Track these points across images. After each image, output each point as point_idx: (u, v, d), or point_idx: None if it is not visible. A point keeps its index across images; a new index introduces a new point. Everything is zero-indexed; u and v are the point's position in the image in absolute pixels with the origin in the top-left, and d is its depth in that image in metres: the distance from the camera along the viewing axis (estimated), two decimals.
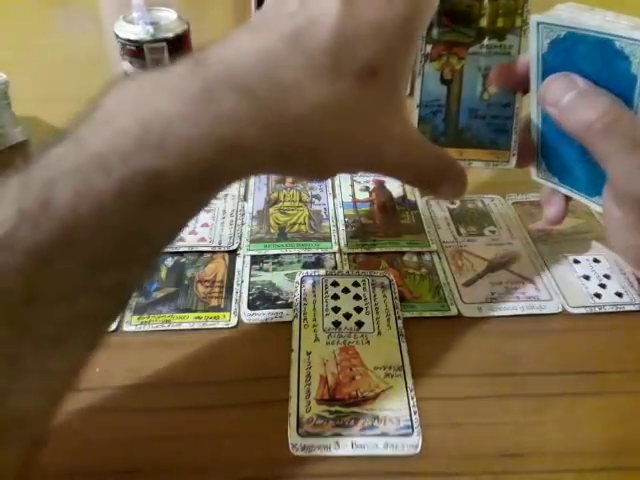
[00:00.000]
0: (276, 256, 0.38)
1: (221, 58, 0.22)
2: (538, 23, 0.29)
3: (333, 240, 0.39)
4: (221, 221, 0.41)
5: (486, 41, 0.32)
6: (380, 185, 0.45)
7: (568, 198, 0.35)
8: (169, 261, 0.37)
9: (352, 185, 0.45)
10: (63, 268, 0.19)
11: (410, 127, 0.28)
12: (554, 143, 0.32)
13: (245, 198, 0.43)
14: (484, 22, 0.32)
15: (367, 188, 0.44)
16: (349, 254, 0.38)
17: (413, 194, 0.44)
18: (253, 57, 0.22)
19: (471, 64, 0.33)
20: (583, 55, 0.28)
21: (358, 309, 0.34)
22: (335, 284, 0.36)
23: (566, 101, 0.27)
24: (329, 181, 0.45)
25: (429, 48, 0.32)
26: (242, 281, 0.36)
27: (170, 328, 0.33)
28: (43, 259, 0.19)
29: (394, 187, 0.44)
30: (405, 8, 0.24)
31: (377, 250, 0.38)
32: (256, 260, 0.38)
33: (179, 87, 0.21)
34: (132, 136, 0.20)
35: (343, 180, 0.45)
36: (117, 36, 0.55)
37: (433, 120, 0.33)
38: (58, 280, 0.19)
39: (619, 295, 0.35)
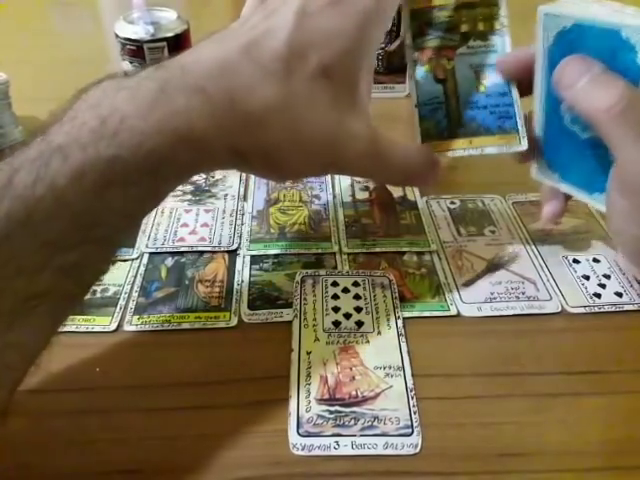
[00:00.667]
0: (276, 256, 0.38)
1: (181, 64, 0.25)
2: (545, 14, 0.29)
3: (333, 240, 0.39)
4: (221, 221, 0.41)
5: (471, 42, 0.34)
6: (380, 185, 0.45)
7: (567, 197, 0.35)
8: (169, 261, 0.38)
9: (352, 185, 0.45)
10: (21, 245, 0.21)
11: (373, 127, 0.29)
12: (557, 138, 0.32)
13: (245, 198, 0.43)
14: (465, 27, 0.34)
15: (367, 188, 0.44)
16: (349, 254, 0.38)
17: (413, 194, 0.44)
18: (209, 62, 0.25)
19: (461, 63, 0.34)
20: (589, 47, 0.28)
21: (358, 309, 0.34)
22: (335, 284, 0.36)
23: (581, 84, 0.28)
24: (329, 181, 0.45)
25: (417, 54, 0.34)
26: (242, 281, 0.36)
27: (170, 328, 0.33)
28: (4, 236, 0.20)
29: (394, 187, 0.45)
30: (358, 17, 0.26)
31: (377, 250, 0.38)
32: (256, 260, 0.38)
33: (136, 87, 0.23)
34: (90, 129, 0.22)
35: (343, 180, 0.45)
36: (117, 36, 0.55)
37: (434, 117, 0.34)
38: (17, 256, 0.21)
39: (619, 295, 0.35)
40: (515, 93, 0.33)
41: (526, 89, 0.33)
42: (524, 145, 0.33)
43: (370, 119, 0.29)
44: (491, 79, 0.34)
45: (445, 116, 0.34)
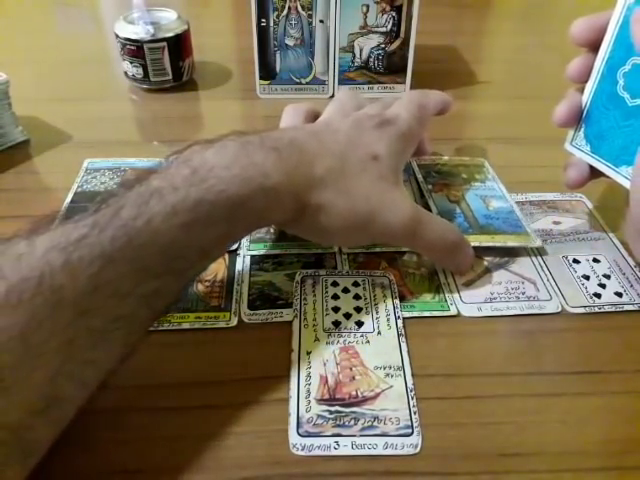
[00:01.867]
0: (276, 256, 0.38)
1: (259, 134, 0.31)
2: None
3: None
4: None
5: (472, 183, 0.43)
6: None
7: (593, 173, 0.36)
8: None
9: None
10: (120, 269, 0.24)
11: (414, 204, 0.34)
12: (602, 107, 0.35)
13: None
14: (465, 175, 0.44)
15: None
16: (349, 254, 0.38)
17: (413, 194, 0.44)
18: (283, 134, 0.32)
19: (468, 194, 0.42)
20: None
21: (358, 309, 0.34)
22: (335, 284, 0.36)
23: None
24: None
25: (430, 186, 0.43)
26: (242, 281, 0.36)
27: (170, 328, 0.33)
28: (108, 258, 0.23)
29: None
30: (400, 128, 0.36)
31: (377, 250, 0.38)
32: (256, 260, 0.38)
33: (222, 145, 0.29)
34: (183, 176, 0.27)
35: None
36: (117, 36, 0.55)
37: (456, 221, 0.40)
38: (115, 279, 0.24)
39: (619, 295, 0.35)
40: (518, 211, 0.40)
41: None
42: (538, 242, 0.38)
43: (411, 200, 0.35)
44: (497, 204, 0.41)
45: (465, 220, 0.40)
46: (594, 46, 0.35)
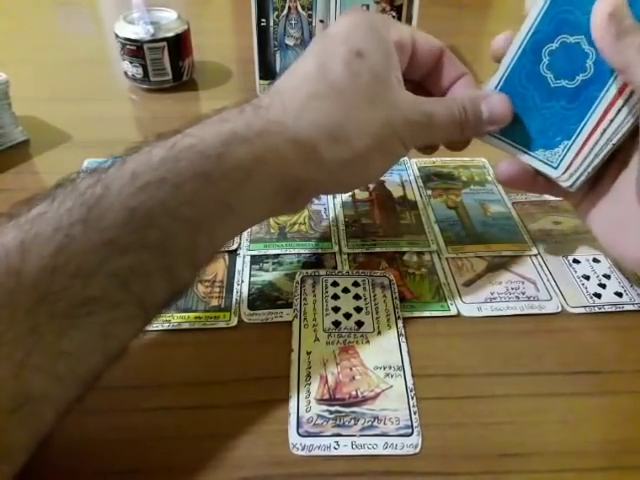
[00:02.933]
0: (276, 256, 0.38)
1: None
2: None
3: (333, 240, 0.39)
4: None
5: (472, 186, 0.44)
6: (380, 184, 0.45)
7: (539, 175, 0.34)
8: None
9: None
10: (84, 244, 0.21)
11: (412, 97, 0.30)
12: (518, 86, 0.32)
13: None
14: (465, 178, 0.45)
15: (367, 188, 0.44)
16: (349, 254, 0.38)
17: (413, 194, 0.44)
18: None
19: (467, 199, 0.43)
20: None
21: (358, 309, 0.34)
22: (335, 284, 0.36)
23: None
24: None
25: (430, 192, 0.43)
26: (242, 281, 0.36)
27: (170, 328, 0.33)
28: (66, 232, 0.21)
29: (394, 187, 0.45)
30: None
31: (377, 250, 0.38)
32: (256, 260, 0.38)
33: (243, 120, 0.26)
34: (146, 142, 0.25)
35: None
36: (117, 36, 0.55)
37: (453, 229, 0.40)
38: (76, 255, 0.21)
39: (619, 295, 0.35)
40: (517, 216, 0.41)
41: None
42: (534, 250, 0.38)
43: (407, 94, 0.30)
44: (495, 209, 0.41)
45: (462, 228, 0.40)
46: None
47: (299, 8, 0.52)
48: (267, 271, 0.37)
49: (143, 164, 0.23)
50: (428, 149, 0.35)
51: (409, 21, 0.53)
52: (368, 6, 0.52)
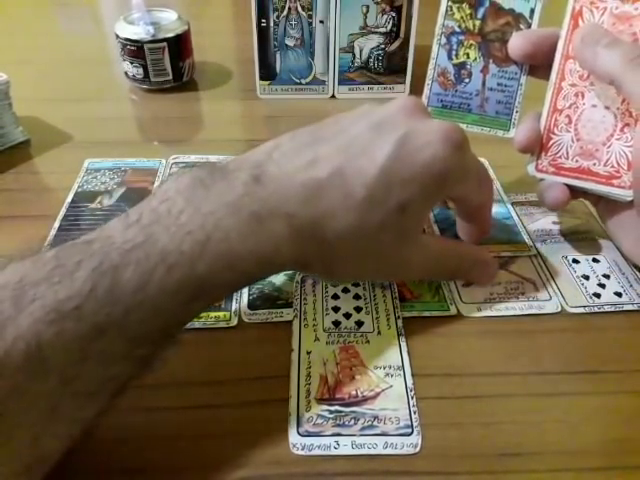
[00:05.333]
0: None
1: (275, 182, 0.27)
2: None
3: None
4: None
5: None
6: None
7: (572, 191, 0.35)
8: None
9: None
10: (112, 340, 0.23)
11: (427, 246, 0.32)
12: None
13: None
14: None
15: None
16: None
17: None
18: (300, 186, 0.27)
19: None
20: None
21: (358, 309, 0.34)
22: (335, 284, 0.36)
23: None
24: None
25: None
26: None
27: None
28: (100, 330, 0.22)
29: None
30: (444, 165, 0.28)
31: None
32: None
33: (238, 204, 0.26)
34: (197, 241, 0.24)
35: None
36: (117, 36, 0.55)
37: (453, 229, 0.38)
38: (105, 349, 0.23)
39: (618, 295, 0.35)
40: (516, 216, 0.41)
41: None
42: (533, 251, 0.38)
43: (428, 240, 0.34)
44: (494, 209, 0.36)
45: None
46: (532, 60, 0.36)
47: (299, 8, 0.53)
48: None
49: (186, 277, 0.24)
50: None
51: (409, 21, 0.53)
52: (368, 7, 0.52)
